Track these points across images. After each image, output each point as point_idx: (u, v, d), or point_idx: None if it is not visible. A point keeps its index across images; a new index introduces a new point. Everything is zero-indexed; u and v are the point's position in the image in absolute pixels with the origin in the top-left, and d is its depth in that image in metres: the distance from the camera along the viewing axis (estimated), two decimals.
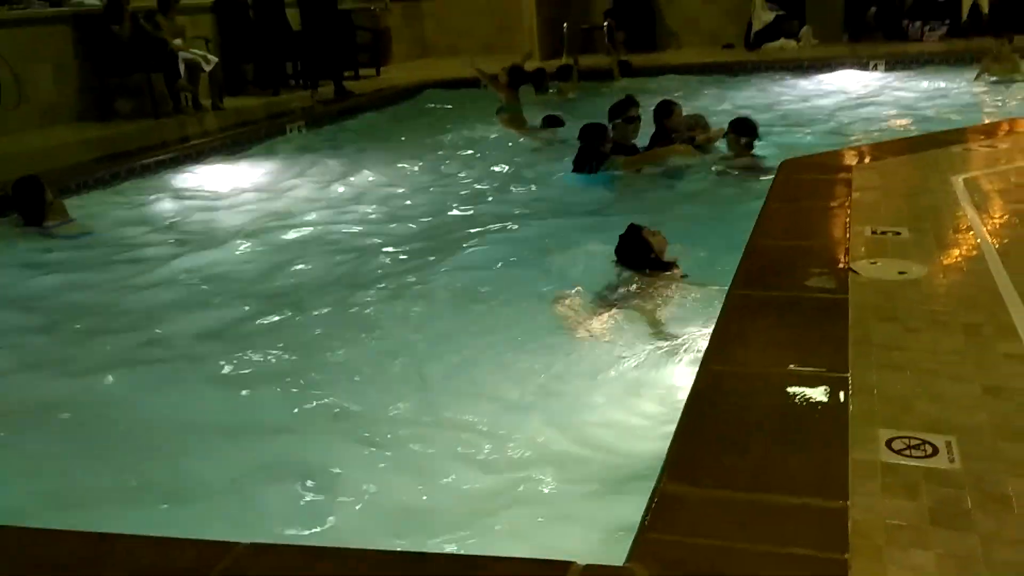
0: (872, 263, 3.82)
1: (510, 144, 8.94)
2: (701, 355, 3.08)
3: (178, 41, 11.15)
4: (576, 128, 7.32)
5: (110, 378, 3.96)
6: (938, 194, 5.04)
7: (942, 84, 11.23)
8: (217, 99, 11.67)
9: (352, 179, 7.91)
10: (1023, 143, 6.50)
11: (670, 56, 15.20)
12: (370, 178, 7.95)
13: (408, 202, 7.10)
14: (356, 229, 6.33)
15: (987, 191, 5.07)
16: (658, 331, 3.98)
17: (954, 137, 6.85)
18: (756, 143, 7.10)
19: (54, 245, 6.14)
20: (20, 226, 6.34)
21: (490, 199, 7.02)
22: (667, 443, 2.47)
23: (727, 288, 3.64)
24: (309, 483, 3.02)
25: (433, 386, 3.68)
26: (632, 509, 2.19)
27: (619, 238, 4.65)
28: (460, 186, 7.59)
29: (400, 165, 8.42)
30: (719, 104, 10.49)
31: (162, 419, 3.58)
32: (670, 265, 4.57)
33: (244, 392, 3.79)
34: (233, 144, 9.39)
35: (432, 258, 5.47)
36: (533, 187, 7.30)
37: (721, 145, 7.29)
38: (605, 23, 15.41)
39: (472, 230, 6.05)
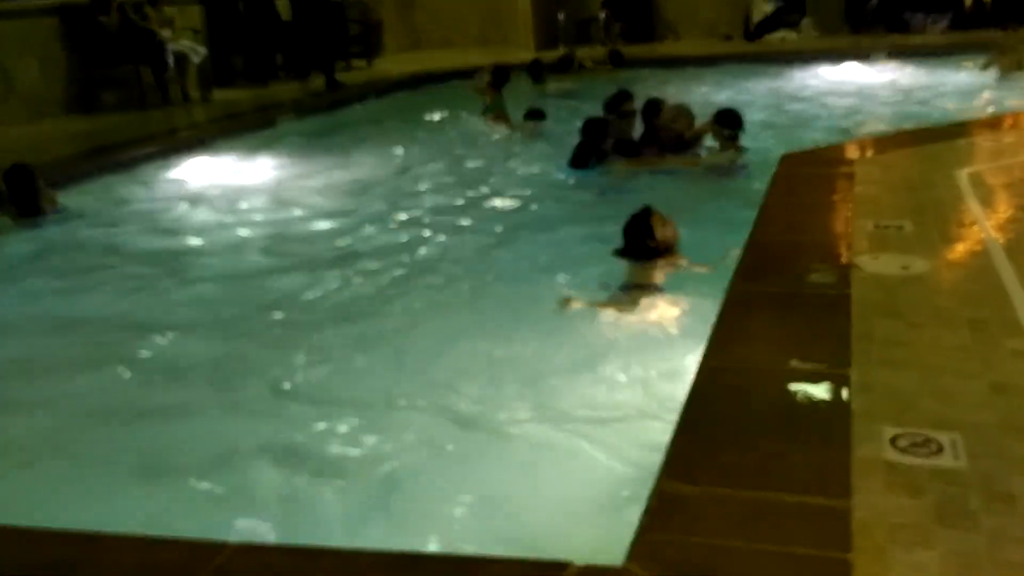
0: (874, 258, 3.79)
1: (497, 137, 8.90)
2: (701, 351, 3.04)
3: (166, 32, 11.06)
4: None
5: (101, 371, 3.93)
6: (941, 188, 5.00)
7: (945, 77, 11.15)
8: (206, 91, 11.57)
9: (342, 171, 7.85)
10: None
11: (668, 47, 15.15)
12: (361, 171, 7.89)
13: (400, 194, 7.06)
14: (346, 221, 6.29)
15: (991, 185, 5.03)
16: (657, 327, 3.93)
17: (958, 130, 6.81)
18: (740, 134, 6.97)
19: (45, 237, 6.10)
20: (14, 217, 6.30)
21: (481, 191, 6.97)
22: (666, 441, 2.44)
23: (727, 283, 3.60)
24: (304, 481, 2.98)
25: (426, 382, 3.64)
26: (631, 508, 2.16)
27: (630, 216, 4.31)
28: (451, 178, 7.54)
29: (391, 157, 8.37)
30: (717, 96, 10.40)
31: (153, 410, 3.56)
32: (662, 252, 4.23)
33: (235, 386, 3.75)
34: (222, 136, 9.28)
35: (423, 251, 5.44)
36: (525, 181, 7.21)
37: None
38: (602, 13, 15.35)
39: (463, 223, 6.02)
